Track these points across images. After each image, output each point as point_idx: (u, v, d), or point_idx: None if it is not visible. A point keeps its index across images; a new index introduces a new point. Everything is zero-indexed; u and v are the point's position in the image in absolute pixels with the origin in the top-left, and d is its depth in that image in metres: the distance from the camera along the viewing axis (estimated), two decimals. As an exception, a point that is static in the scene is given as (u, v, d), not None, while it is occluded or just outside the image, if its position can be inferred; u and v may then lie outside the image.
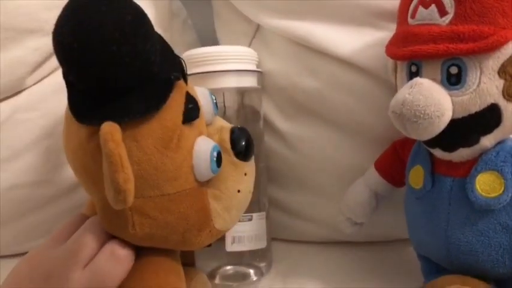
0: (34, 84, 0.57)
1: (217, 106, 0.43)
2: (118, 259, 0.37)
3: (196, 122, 0.40)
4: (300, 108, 0.58)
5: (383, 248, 0.61)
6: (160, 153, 0.36)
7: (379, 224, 0.57)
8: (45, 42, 0.55)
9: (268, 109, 0.61)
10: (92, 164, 0.36)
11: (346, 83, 0.54)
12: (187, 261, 0.47)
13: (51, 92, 0.58)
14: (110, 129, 0.33)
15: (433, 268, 0.47)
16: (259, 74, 0.58)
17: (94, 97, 0.35)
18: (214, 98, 0.43)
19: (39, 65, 0.57)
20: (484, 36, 0.37)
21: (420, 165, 0.45)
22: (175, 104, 0.38)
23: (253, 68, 0.57)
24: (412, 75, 0.42)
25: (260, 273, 0.56)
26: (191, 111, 0.39)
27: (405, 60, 0.42)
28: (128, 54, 0.33)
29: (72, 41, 0.32)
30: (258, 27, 0.62)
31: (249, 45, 0.63)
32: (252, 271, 0.55)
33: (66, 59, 0.34)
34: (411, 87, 0.39)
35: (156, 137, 0.36)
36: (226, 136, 0.42)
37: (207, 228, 0.40)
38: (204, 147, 0.39)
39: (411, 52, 0.40)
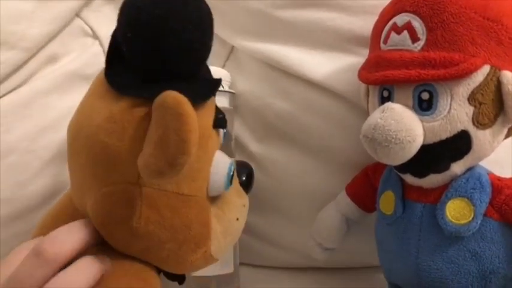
0: (-3, 99, 0.55)
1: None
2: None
3: (220, 134, 0.41)
4: (272, 131, 0.57)
5: (354, 275, 0.60)
6: None
7: (350, 250, 0.56)
8: (10, 56, 0.53)
9: (240, 130, 0.60)
10: (117, 138, 0.34)
11: (318, 107, 0.54)
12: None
13: (15, 107, 0.55)
14: (179, 95, 0.32)
15: (403, 296, 0.46)
16: (232, 95, 0.57)
17: (144, 73, 0.35)
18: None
19: (3, 79, 0.54)
20: (454, 63, 0.37)
21: (391, 191, 0.45)
22: (210, 107, 0.38)
23: (226, 89, 0.56)
24: (383, 100, 0.42)
25: (227, 300, 0.54)
26: (221, 120, 0.40)
27: (377, 85, 0.43)
28: (198, 41, 0.34)
29: (153, 9, 0.33)
30: (232, 49, 0.62)
31: (223, 67, 0.62)
32: (218, 298, 0.54)
33: (139, 25, 0.33)
34: (383, 112, 0.39)
35: None
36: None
37: (204, 247, 0.39)
38: (223, 159, 0.39)
39: (383, 77, 0.40)
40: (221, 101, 0.55)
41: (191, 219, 0.37)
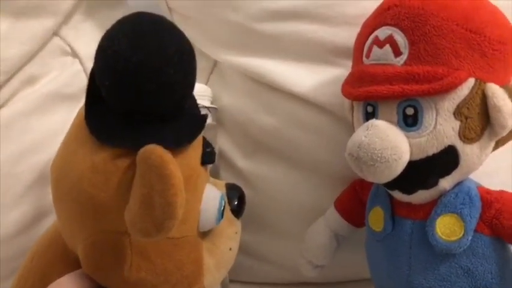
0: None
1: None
2: None
3: (208, 168, 0.39)
4: (259, 146, 0.56)
5: (345, 288, 0.59)
6: None
7: (341, 264, 0.55)
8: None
9: (226, 146, 0.59)
10: (102, 189, 0.33)
11: (304, 121, 0.53)
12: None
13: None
14: (164, 152, 0.31)
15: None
16: (214, 110, 0.56)
17: (125, 119, 0.33)
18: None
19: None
20: (438, 78, 0.36)
21: (380, 207, 0.44)
22: (197, 144, 0.37)
23: (207, 104, 0.55)
24: (368, 115, 0.41)
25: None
26: (209, 154, 0.39)
27: (361, 101, 0.41)
28: (180, 82, 0.33)
29: (131, 55, 0.31)
30: (216, 63, 0.61)
31: (207, 81, 0.61)
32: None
33: (117, 71, 0.32)
34: (367, 130, 0.38)
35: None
36: (223, 191, 0.41)
37: (197, 284, 0.38)
38: (213, 194, 0.38)
39: (366, 93, 0.39)
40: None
41: (183, 260, 0.37)
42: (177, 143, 0.34)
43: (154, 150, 0.31)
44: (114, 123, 0.34)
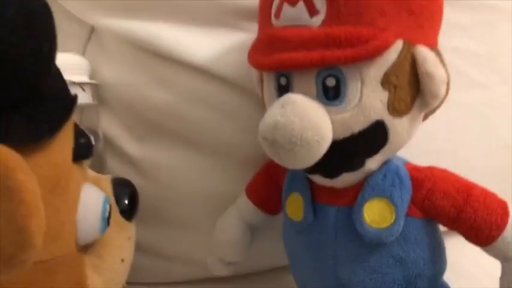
0: None
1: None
2: None
3: (85, 163, 0.32)
4: (153, 128, 0.48)
5: (262, 279, 0.53)
6: (44, 200, 0.25)
7: (257, 254, 0.49)
8: None
9: (112, 129, 0.49)
10: None
11: (205, 96, 0.45)
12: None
13: None
14: (9, 154, 0.22)
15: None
16: (94, 86, 0.47)
17: None
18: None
19: None
20: (363, 40, 0.30)
21: (298, 193, 0.38)
22: (65, 136, 0.29)
23: (84, 79, 0.45)
24: (281, 89, 0.34)
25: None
26: (83, 147, 0.31)
27: (272, 71, 0.35)
28: (30, 55, 0.25)
29: None
30: (93, 29, 0.50)
31: (84, 51, 0.51)
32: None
33: None
34: (283, 107, 0.31)
35: (42, 176, 0.25)
36: (108, 188, 0.34)
37: None
38: (93, 197, 0.31)
39: (278, 61, 0.32)
40: (81, 96, 0.44)
41: (60, 287, 0.29)
42: (32, 138, 0.26)
43: None
44: None
